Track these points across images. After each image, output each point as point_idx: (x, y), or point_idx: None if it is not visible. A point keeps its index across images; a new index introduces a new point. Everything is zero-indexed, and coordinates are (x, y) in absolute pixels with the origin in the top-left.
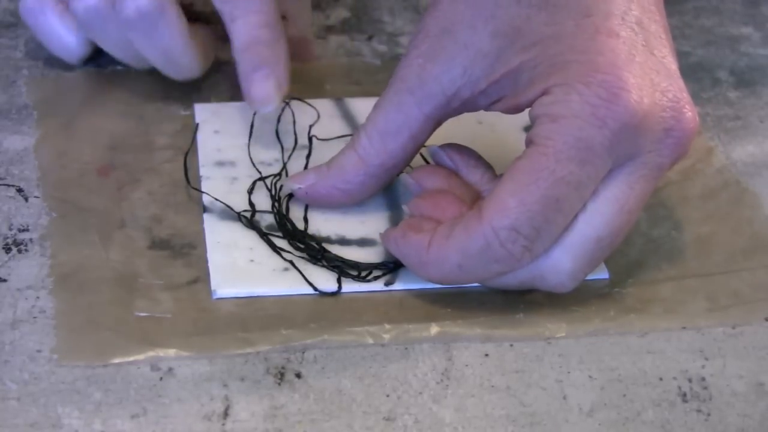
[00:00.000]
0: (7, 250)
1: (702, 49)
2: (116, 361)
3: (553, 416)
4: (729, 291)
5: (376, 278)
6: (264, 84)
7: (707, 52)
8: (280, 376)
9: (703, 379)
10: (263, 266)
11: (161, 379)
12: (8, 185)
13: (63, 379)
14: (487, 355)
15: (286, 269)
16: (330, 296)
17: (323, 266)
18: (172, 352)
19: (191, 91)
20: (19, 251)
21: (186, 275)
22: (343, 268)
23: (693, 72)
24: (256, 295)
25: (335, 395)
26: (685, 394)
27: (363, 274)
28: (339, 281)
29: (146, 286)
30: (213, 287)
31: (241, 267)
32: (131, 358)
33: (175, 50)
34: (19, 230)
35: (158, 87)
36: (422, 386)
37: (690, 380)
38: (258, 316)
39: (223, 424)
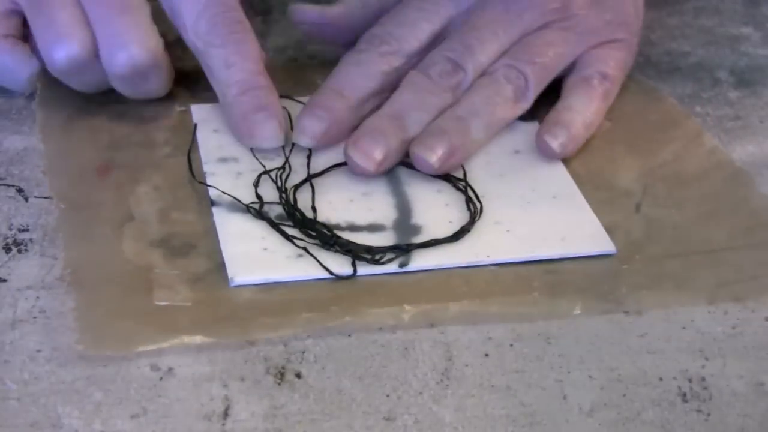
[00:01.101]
0: (7, 250)
1: (702, 49)
2: (142, 349)
3: (553, 416)
4: (735, 266)
5: (390, 260)
6: (267, 124)
7: (707, 52)
8: (280, 376)
9: (703, 379)
10: (277, 254)
11: (161, 379)
12: (8, 185)
13: (63, 379)
14: (487, 355)
15: (299, 256)
16: (346, 280)
17: (336, 251)
18: (198, 338)
19: (184, 88)
20: (19, 251)
21: (200, 266)
22: (356, 252)
23: (693, 72)
24: (273, 281)
25: (335, 395)
26: (685, 394)
27: (377, 257)
28: (354, 264)
29: (162, 277)
30: (230, 275)
31: (256, 255)
32: (156, 346)
33: (157, 93)
34: (19, 230)
35: None
36: (422, 386)
37: (690, 380)
38: (278, 301)
39: (223, 424)
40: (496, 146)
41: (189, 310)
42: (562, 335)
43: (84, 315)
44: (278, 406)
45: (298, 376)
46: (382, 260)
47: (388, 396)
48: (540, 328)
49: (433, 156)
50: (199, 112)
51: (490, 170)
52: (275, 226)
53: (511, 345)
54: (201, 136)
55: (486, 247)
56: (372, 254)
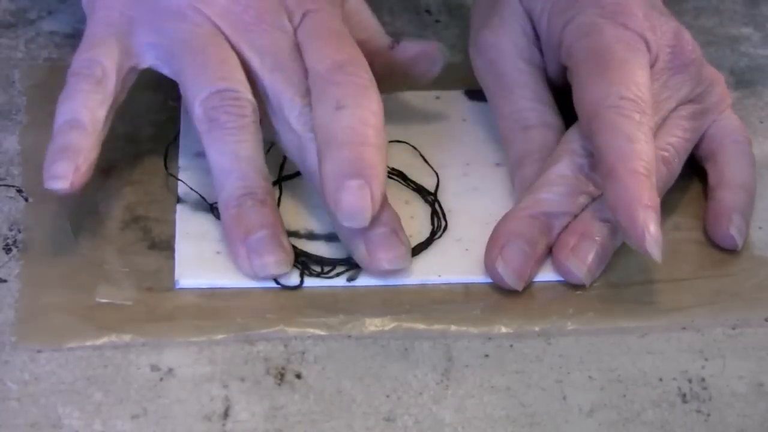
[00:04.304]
0: (8, 250)
1: (702, 50)
2: (71, 345)
3: (553, 417)
4: (692, 296)
5: (338, 274)
6: (357, 194)
7: (707, 52)
8: (280, 376)
9: (703, 379)
10: (228, 258)
11: (161, 379)
12: (8, 185)
13: (63, 379)
14: (487, 355)
15: None
16: (292, 290)
17: None
18: (127, 337)
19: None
20: (20, 251)
21: (153, 264)
22: (307, 263)
23: None
24: (218, 286)
25: (335, 395)
26: (684, 395)
27: (326, 270)
28: (301, 276)
29: (111, 273)
30: (176, 277)
31: (207, 258)
32: (87, 343)
33: None
34: (19, 231)
35: (148, 79)
36: (422, 386)
37: (690, 381)
38: (217, 305)
39: (223, 425)
40: (478, 157)
41: (128, 309)
42: (563, 336)
43: (24, 306)
44: (278, 407)
45: (298, 376)
46: (331, 273)
47: (388, 396)
48: (540, 328)
49: (584, 266)
50: None
51: (466, 183)
52: None
53: (511, 345)
54: (184, 128)
55: (439, 265)
56: (322, 266)
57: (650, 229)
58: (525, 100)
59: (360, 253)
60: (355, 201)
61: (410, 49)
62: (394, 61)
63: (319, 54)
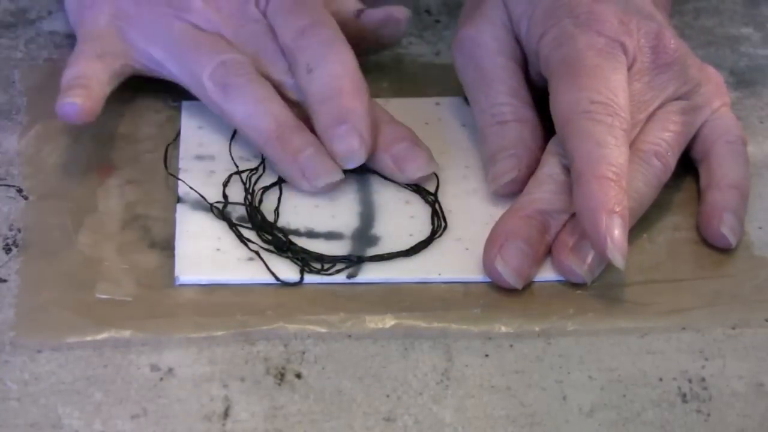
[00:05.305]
0: (8, 250)
1: (702, 50)
2: (70, 340)
3: (553, 416)
4: (692, 296)
5: (338, 271)
6: (347, 139)
7: (707, 53)
8: (280, 376)
9: (703, 379)
10: (228, 255)
11: (161, 379)
12: (8, 185)
13: (63, 379)
14: (487, 355)
15: (250, 259)
16: (291, 286)
17: (288, 257)
18: (127, 333)
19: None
20: (20, 251)
21: (152, 262)
22: (307, 260)
23: None
24: (218, 282)
25: (335, 395)
26: (684, 395)
27: (326, 266)
28: (302, 272)
29: (111, 270)
30: (176, 273)
31: (207, 255)
32: (87, 338)
33: None
34: (19, 231)
35: (148, 79)
36: (422, 386)
37: (690, 381)
38: (217, 302)
39: (223, 425)
40: (477, 160)
41: (128, 304)
42: (563, 335)
43: (24, 302)
44: (278, 407)
45: (298, 376)
46: (331, 270)
47: (388, 396)
48: (540, 328)
49: (584, 265)
50: (189, 108)
51: (466, 185)
52: (233, 226)
53: (511, 345)
54: (184, 132)
55: (439, 264)
56: (322, 263)
57: (613, 235)
58: (502, 95)
59: (387, 166)
60: (345, 145)
61: (375, 15)
62: (363, 27)
63: (284, 26)
